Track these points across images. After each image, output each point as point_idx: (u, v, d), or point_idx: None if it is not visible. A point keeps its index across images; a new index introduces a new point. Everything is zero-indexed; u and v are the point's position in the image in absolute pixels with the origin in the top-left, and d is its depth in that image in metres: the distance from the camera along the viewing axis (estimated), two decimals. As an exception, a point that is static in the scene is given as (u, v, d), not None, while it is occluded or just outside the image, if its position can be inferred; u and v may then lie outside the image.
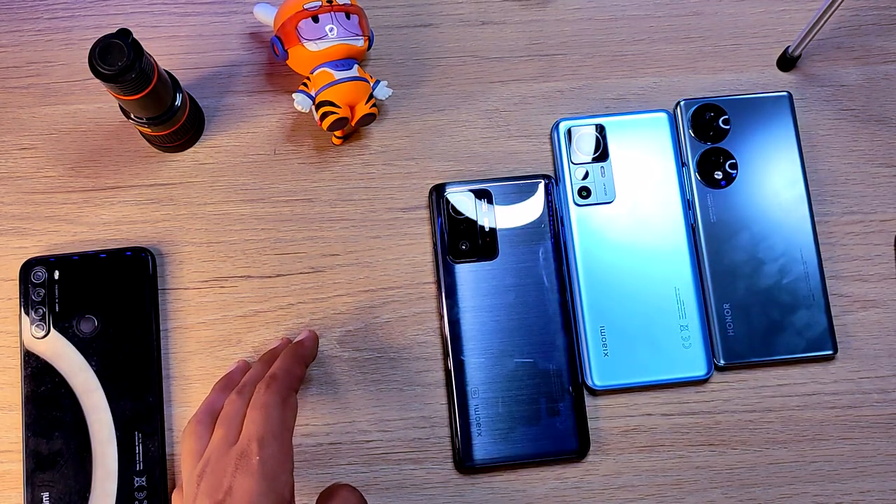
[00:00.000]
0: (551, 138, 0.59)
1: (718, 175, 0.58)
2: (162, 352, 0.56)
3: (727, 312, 0.56)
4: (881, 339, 0.57)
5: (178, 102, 0.55)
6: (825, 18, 0.55)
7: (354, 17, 0.56)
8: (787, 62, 0.60)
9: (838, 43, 0.62)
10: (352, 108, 0.56)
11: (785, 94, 0.59)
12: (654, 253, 0.57)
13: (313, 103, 0.55)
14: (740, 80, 0.61)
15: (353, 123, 0.56)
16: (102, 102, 0.59)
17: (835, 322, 0.56)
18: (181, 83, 0.56)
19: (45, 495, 0.52)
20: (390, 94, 0.57)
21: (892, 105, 0.61)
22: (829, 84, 0.61)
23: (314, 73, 0.55)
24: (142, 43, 0.49)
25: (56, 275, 0.55)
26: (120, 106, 0.54)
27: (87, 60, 0.48)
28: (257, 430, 0.44)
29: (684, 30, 0.62)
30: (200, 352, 0.56)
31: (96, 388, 0.54)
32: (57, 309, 0.55)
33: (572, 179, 0.58)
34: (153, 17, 0.61)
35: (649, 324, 0.56)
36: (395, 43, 0.61)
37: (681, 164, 0.58)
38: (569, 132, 0.58)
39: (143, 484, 0.53)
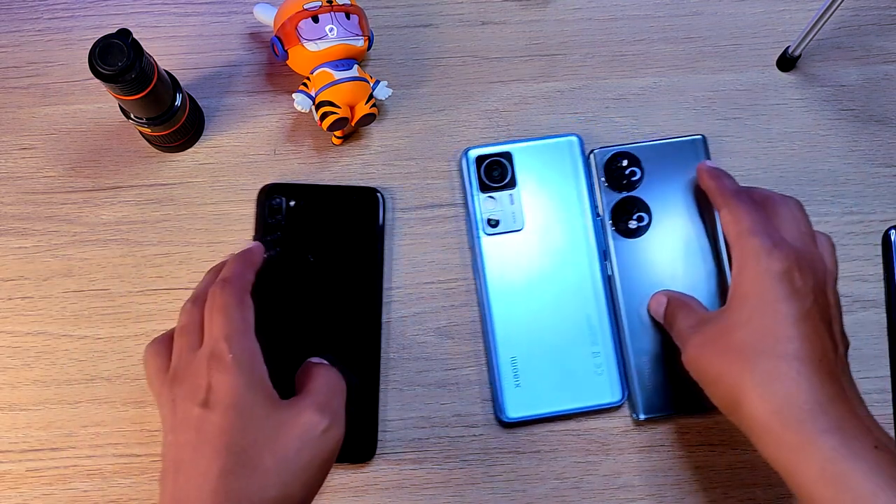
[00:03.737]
0: (460, 167, 0.58)
1: (633, 225, 0.56)
2: None
3: None
4: (881, 339, 0.57)
5: (178, 102, 0.55)
6: (825, 18, 0.55)
7: (354, 17, 0.56)
8: (787, 62, 0.60)
9: (838, 43, 0.62)
10: (352, 108, 0.56)
11: (699, 137, 0.57)
12: (564, 280, 0.56)
13: (313, 103, 0.55)
14: (740, 80, 0.61)
15: (353, 123, 0.56)
16: (102, 102, 0.59)
17: (835, 322, 0.56)
18: (181, 83, 0.56)
19: None
20: (390, 94, 0.57)
21: (892, 105, 0.61)
22: (829, 84, 0.61)
23: (314, 73, 0.55)
24: (142, 43, 0.49)
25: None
26: (120, 106, 0.54)
27: (87, 60, 0.48)
28: (221, 329, 0.43)
29: (684, 30, 0.62)
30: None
31: None
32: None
33: (481, 209, 0.57)
34: (153, 17, 0.61)
35: (561, 352, 0.55)
36: (395, 43, 0.61)
37: (596, 214, 0.57)
38: (477, 160, 0.57)
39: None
